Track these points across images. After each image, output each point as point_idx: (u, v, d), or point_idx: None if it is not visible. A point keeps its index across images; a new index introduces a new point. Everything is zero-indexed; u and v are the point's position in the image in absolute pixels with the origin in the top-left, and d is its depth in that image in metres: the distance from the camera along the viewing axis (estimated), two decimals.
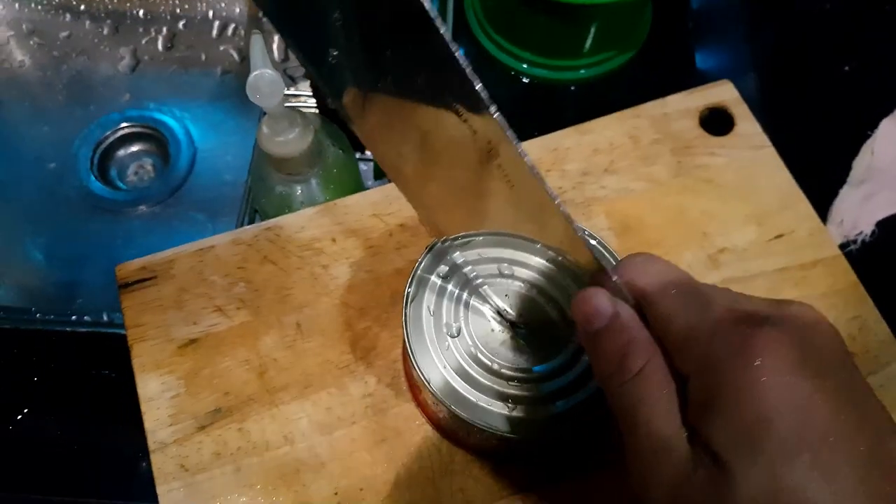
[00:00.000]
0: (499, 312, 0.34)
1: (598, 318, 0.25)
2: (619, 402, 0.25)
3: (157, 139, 0.77)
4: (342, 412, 0.38)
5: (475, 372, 0.32)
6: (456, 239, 0.34)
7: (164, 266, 0.42)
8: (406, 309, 0.33)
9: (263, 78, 0.39)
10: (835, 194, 0.48)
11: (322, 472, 0.37)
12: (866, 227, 0.45)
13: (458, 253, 0.35)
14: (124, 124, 0.77)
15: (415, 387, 0.38)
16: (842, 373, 0.22)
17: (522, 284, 0.34)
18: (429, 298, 0.34)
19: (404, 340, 0.32)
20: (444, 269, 0.34)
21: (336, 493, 0.36)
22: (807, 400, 0.21)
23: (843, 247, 0.45)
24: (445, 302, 0.34)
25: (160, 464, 0.37)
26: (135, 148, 0.78)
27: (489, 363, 0.32)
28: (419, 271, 0.34)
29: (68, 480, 0.45)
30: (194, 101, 0.79)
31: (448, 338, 0.33)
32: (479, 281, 0.34)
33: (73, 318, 0.48)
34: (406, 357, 0.35)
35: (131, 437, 0.39)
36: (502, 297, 0.34)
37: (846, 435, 0.20)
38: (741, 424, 0.21)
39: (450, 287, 0.34)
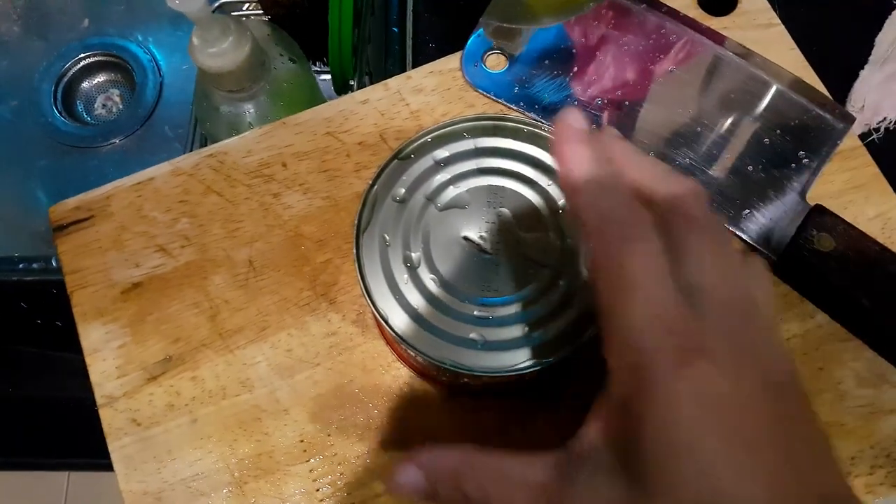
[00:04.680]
0: (466, 238, 0.29)
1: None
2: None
3: (122, 67, 0.73)
4: (304, 353, 0.35)
5: (439, 306, 0.28)
6: (430, 132, 0.30)
7: (101, 204, 0.38)
8: (358, 239, 0.29)
9: None
10: (855, 76, 0.42)
11: (285, 419, 0.34)
12: (891, 111, 0.39)
13: (426, 156, 0.31)
14: (85, 53, 0.73)
15: (379, 324, 0.34)
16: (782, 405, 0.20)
17: (498, 192, 0.30)
18: (384, 225, 0.30)
19: (357, 275, 0.28)
20: (400, 190, 0.30)
21: (302, 441, 0.33)
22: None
23: (864, 136, 0.40)
24: (402, 228, 0.30)
25: (110, 419, 0.34)
26: (100, 79, 0.74)
27: (454, 296, 0.28)
28: (372, 193, 0.30)
29: (18, 440, 0.42)
30: (157, 24, 0.74)
31: (407, 269, 0.29)
32: (449, 196, 0.30)
33: (21, 266, 0.45)
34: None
35: (83, 391, 0.36)
36: (472, 220, 0.30)
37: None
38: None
39: (408, 209, 0.30)
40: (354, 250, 0.29)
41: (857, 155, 0.36)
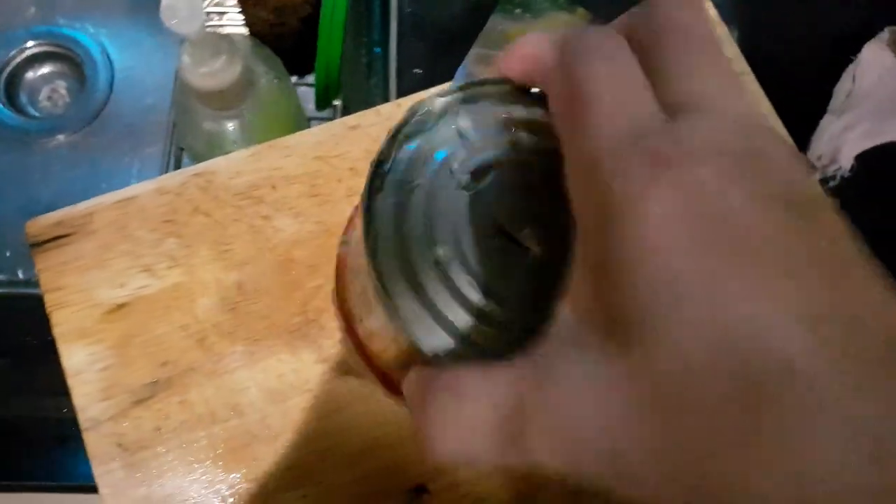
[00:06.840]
0: (502, 230, 0.21)
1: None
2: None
3: (71, 59, 0.70)
4: (295, 379, 0.35)
5: (480, 318, 0.20)
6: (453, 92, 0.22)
7: (83, 220, 0.37)
8: (370, 208, 0.20)
9: None
10: (816, 125, 0.45)
11: (276, 445, 0.34)
12: (845, 161, 0.42)
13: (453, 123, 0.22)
14: (31, 42, 0.69)
15: (371, 337, 0.26)
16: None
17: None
18: (399, 213, 0.21)
19: (370, 270, 0.20)
20: (414, 173, 0.21)
21: (292, 468, 0.34)
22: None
23: (822, 183, 0.43)
24: (422, 217, 0.21)
25: (95, 443, 0.34)
26: (46, 70, 0.70)
27: (498, 305, 0.20)
28: (380, 177, 0.21)
29: None
30: (110, 16, 0.71)
31: (435, 268, 0.20)
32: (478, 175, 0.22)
33: None
34: (376, 291, 0.20)
35: (63, 411, 0.35)
36: (512, 207, 0.21)
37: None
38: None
39: (426, 194, 0.21)
40: (364, 230, 0.20)
41: None
